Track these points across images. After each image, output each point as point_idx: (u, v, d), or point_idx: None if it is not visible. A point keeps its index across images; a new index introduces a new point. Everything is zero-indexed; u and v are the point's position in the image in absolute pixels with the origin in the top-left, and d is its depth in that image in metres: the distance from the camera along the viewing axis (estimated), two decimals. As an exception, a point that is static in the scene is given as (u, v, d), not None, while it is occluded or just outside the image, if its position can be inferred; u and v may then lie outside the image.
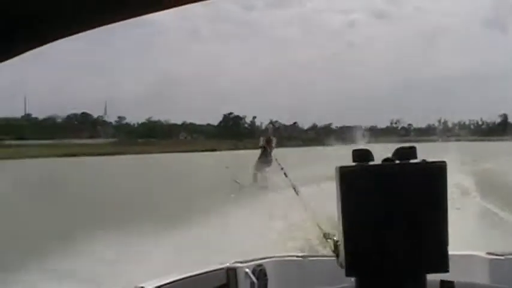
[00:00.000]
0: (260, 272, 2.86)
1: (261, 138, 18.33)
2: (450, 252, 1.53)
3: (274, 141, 17.89)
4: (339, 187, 1.31)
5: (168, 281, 2.63)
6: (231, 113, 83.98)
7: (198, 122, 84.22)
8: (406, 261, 1.24)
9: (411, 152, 1.31)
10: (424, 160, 1.29)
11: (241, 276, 2.86)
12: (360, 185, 1.28)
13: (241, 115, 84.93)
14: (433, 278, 1.36)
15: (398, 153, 1.33)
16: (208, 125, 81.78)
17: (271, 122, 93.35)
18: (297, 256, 3.22)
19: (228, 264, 2.94)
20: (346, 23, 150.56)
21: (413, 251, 1.23)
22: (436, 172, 1.24)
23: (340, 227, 1.32)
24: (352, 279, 1.36)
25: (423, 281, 1.28)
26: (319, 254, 3.78)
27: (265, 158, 16.97)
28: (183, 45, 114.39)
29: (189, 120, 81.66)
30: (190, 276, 2.68)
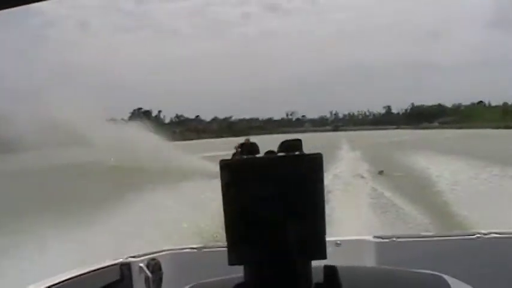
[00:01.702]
0: (155, 266, 2.89)
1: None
2: (341, 238, 1.95)
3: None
4: (221, 179, 1.36)
5: (57, 281, 2.55)
6: (140, 108, 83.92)
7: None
8: (287, 250, 1.27)
9: (297, 144, 1.36)
10: (301, 152, 1.35)
11: (135, 271, 2.84)
12: (239, 177, 1.32)
13: (150, 110, 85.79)
14: (318, 264, 1.38)
15: (283, 146, 1.36)
16: (112, 119, 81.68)
17: (177, 116, 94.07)
18: (192, 248, 3.20)
19: (121, 259, 2.85)
20: (239, 15, 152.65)
21: (291, 240, 1.27)
22: (312, 164, 1.28)
23: (223, 218, 1.36)
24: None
25: (306, 268, 1.32)
26: (215, 245, 3.78)
27: None
28: (73, 36, 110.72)
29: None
30: (82, 274, 2.61)
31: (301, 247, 1.20)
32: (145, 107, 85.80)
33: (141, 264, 2.82)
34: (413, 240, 3.04)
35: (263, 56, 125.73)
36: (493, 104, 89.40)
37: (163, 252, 3.02)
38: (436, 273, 1.54)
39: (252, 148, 1.32)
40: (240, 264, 1.26)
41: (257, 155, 1.31)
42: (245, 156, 1.30)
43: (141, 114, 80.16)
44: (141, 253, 2.95)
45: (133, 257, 2.87)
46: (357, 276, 1.49)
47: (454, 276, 1.57)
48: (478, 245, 2.82)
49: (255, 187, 1.22)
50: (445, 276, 1.52)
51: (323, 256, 1.23)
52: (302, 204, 1.20)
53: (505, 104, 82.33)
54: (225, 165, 1.26)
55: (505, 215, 8.14)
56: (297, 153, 1.27)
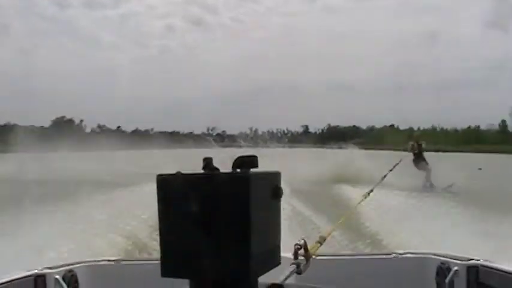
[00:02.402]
0: (71, 278, 2.80)
1: (410, 143, 18.77)
2: (282, 254, 1.80)
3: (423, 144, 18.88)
4: (157, 194, 1.34)
5: None
6: (63, 117, 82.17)
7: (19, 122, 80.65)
8: (217, 266, 1.23)
9: (252, 161, 1.31)
10: (233, 170, 1.30)
11: (50, 283, 2.73)
12: (174, 192, 1.30)
13: (73, 118, 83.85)
14: (264, 281, 1.37)
15: (239, 162, 1.30)
16: (33, 126, 77.51)
17: (99, 126, 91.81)
18: (110, 260, 3.12)
19: (36, 270, 2.74)
20: (163, 28, 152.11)
21: (224, 257, 1.22)
22: (240, 182, 1.25)
23: (158, 231, 1.38)
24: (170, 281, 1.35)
25: (252, 285, 1.28)
26: (135, 257, 3.45)
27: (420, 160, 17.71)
28: None
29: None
30: None
31: (232, 264, 1.19)
32: (67, 115, 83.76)
33: (57, 276, 2.73)
34: (331, 259, 3.01)
35: (185, 70, 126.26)
36: (401, 128, 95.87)
37: (81, 264, 2.94)
38: None
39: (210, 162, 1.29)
40: (172, 277, 1.27)
41: (195, 172, 1.30)
42: (182, 172, 1.29)
43: (62, 123, 78.44)
44: (57, 264, 2.86)
45: (49, 268, 2.77)
46: None
47: None
48: (394, 264, 2.85)
49: (190, 204, 1.22)
50: None
51: (254, 274, 1.23)
52: (234, 223, 1.19)
53: (411, 128, 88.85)
54: (161, 180, 1.28)
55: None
56: (228, 171, 1.26)
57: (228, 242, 1.20)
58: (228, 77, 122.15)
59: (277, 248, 1.32)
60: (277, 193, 1.30)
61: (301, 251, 1.74)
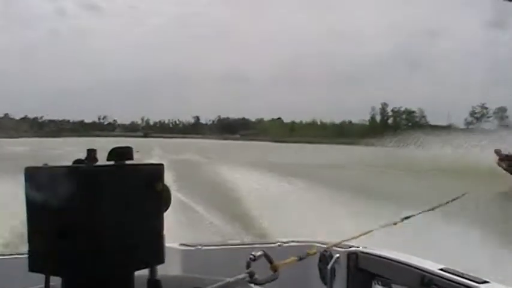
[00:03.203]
0: None
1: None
2: (169, 245, 1.62)
3: None
4: (25, 187, 1.28)
5: None
6: None
7: None
8: (82, 260, 1.18)
9: (128, 152, 1.27)
10: (115, 162, 1.24)
11: None
12: (42, 185, 1.24)
13: None
14: (141, 274, 1.34)
15: (114, 153, 1.26)
16: None
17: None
18: None
19: None
20: (52, 10, 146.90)
21: (88, 250, 1.18)
22: (108, 176, 1.22)
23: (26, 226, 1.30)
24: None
25: (128, 279, 1.26)
26: (12, 252, 3.37)
27: None
28: None
29: None
30: None
31: (95, 258, 1.13)
32: None
33: None
34: (219, 249, 3.09)
35: (75, 56, 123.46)
36: (286, 121, 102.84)
37: None
38: (242, 279, 1.57)
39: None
40: (39, 272, 1.22)
41: (63, 165, 1.23)
42: (50, 165, 1.24)
43: None
44: None
45: None
46: (164, 285, 1.37)
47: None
48: (278, 253, 2.58)
49: (58, 197, 1.16)
50: (251, 285, 1.56)
51: (114, 267, 1.18)
52: (92, 217, 1.13)
53: (293, 122, 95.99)
54: (30, 172, 1.23)
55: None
56: (107, 163, 1.19)
57: (92, 238, 1.15)
58: (122, 65, 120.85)
59: (157, 244, 1.28)
60: (155, 185, 1.26)
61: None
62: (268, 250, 2.54)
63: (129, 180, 1.22)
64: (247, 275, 1.57)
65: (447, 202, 2.76)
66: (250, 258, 1.63)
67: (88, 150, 1.26)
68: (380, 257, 2.68)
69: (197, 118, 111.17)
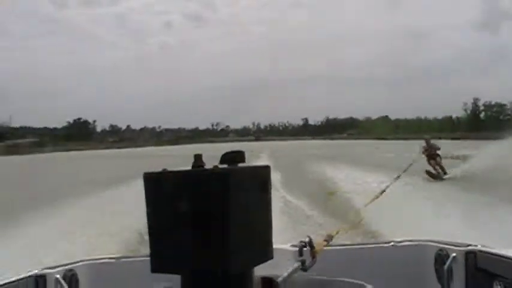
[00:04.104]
0: (72, 277, 2.70)
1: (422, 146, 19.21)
2: (275, 246, 1.54)
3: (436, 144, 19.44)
4: (145, 192, 1.27)
5: None
6: (80, 118, 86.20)
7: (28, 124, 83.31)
8: (204, 260, 1.15)
9: (240, 156, 1.26)
10: (216, 166, 1.22)
11: (50, 283, 2.62)
12: (160, 189, 1.26)
13: (90, 120, 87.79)
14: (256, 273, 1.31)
15: (226, 157, 1.26)
16: (46, 128, 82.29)
17: (111, 126, 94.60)
18: (110, 258, 2.99)
19: (36, 271, 2.57)
20: (161, 24, 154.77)
21: (210, 251, 1.14)
22: (223, 178, 1.21)
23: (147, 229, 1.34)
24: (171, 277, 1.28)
25: (227, 279, 1.22)
26: (136, 254, 3.56)
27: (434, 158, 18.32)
28: None
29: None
30: None
31: (218, 258, 1.18)
32: (76, 116, 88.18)
33: (58, 276, 2.63)
34: (330, 249, 2.69)
35: (185, 66, 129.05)
36: (392, 118, 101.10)
37: (81, 263, 2.85)
38: (359, 281, 1.59)
39: (197, 160, 1.27)
40: (162, 272, 1.26)
41: (182, 168, 1.28)
42: (166, 170, 1.30)
43: (79, 124, 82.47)
44: (57, 264, 2.77)
45: (49, 268, 2.67)
46: (279, 286, 1.39)
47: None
48: (392, 252, 2.79)
49: (176, 200, 1.22)
50: (368, 286, 1.56)
51: (238, 265, 1.23)
52: (217, 217, 1.19)
53: (397, 119, 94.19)
54: (149, 177, 1.29)
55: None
56: (209, 167, 1.24)
57: (212, 236, 1.20)
58: (228, 72, 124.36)
59: (268, 242, 1.30)
60: (265, 187, 1.29)
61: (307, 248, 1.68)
62: (382, 250, 2.67)
63: (241, 182, 1.26)
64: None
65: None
66: (301, 245, 1.65)
67: (195, 155, 1.32)
68: (501, 256, 2.45)
69: (306, 120, 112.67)
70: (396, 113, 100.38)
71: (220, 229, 1.22)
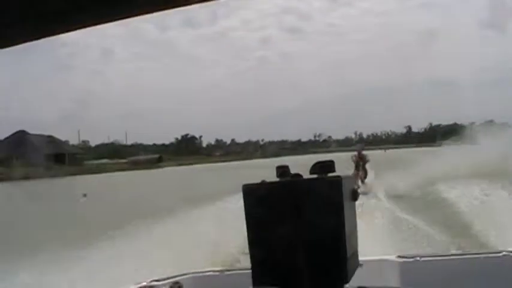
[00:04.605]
0: None
1: (353, 155, 20.92)
2: (363, 258, 1.90)
3: (367, 156, 20.86)
4: (244, 203, 1.39)
5: None
6: (187, 134, 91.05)
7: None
8: (310, 272, 1.26)
9: (329, 165, 1.35)
10: (322, 175, 1.33)
11: None
12: (260, 201, 1.33)
13: (196, 136, 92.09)
14: (341, 285, 1.42)
15: (316, 167, 1.36)
16: (154, 144, 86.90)
17: (216, 140, 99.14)
18: (214, 271, 3.14)
19: (144, 283, 2.83)
20: (259, 39, 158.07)
21: (315, 262, 1.26)
22: (330, 186, 1.28)
23: (247, 241, 1.41)
24: None
25: None
26: (238, 267, 3.68)
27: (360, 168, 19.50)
28: (98, 65, 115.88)
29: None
30: None
31: (324, 269, 1.17)
32: (183, 132, 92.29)
33: None
34: (437, 260, 2.93)
35: (284, 78, 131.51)
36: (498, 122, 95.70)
37: (186, 276, 3.00)
38: None
39: (284, 171, 1.30)
40: (263, 285, 1.27)
41: (279, 179, 1.31)
42: (265, 181, 1.29)
43: (186, 140, 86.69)
44: (164, 277, 2.96)
45: (157, 280, 2.87)
46: None
47: None
48: (504, 263, 2.68)
49: (276, 211, 1.23)
50: None
51: (346, 278, 1.23)
52: (324, 226, 1.18)
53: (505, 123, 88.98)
54: (248, 189, 1.30)
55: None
56: (314, 176, 1.25)
57: (327, 246, 1.18)
58: (328, 83, 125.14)
59: (356, 251, 1.28)
60: (355, 196, 1.29)
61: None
62: (492, 261, 2.64)
63: (343, 191, 1.23)
64: None
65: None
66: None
67: (279, 167, 1.33)
68: None
69: (409, 127, 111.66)
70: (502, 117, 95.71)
71: (332, 241, 1.20)
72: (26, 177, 41.04)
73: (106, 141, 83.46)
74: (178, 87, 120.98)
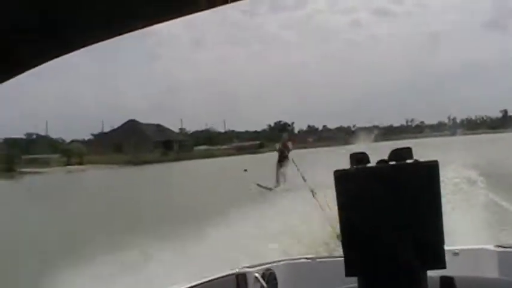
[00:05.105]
0: (270, 276, 2.85)
1: (277, 144, 20.35)
2: (459, 247, 1.76)
3: (290, 144, 19.27)
4: (336, 190, 1.37)
5: None
6: (280, 121, 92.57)
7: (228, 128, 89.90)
8: (404, 259, 1.23)
9: (407, 152, 1.32)
10: (416, 160, 1.29)
11: (251, 281, 2.83)
12: (354, 187, 1.30)
13: (289, 122, 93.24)
14: (435, 274, 1.38)
15: (394, 154, 1.34)
16: (247, 131, 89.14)
17: (308, 126, 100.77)
18: (306, 258, 3.15)
19: (237, 269, 2.87)
20: (348, 23, 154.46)
21: (410, 249, 1.23)
22: (428, 171, 1.25)
23: (339, 229, 1.39)
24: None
25: (422, 278, 1.27)
26: (330, 255, 3.66)
27: (283, 160, 17.96)
28: (188, 53, 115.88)
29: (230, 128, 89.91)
30: (201, 284, 2.67)
31: (418, 257, 1.14)
32: (272, 119, 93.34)
33: (257, 275, 2.84)
34: None
35: (373, 62, 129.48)
36: None
37: (278, 263, 3.05)
38: None
39: (362, 158, 1.27)
40: (356, 275, 1.25)
41: (369, 165, 1.28)
42: (358, 167, 1.26)
43: (279, 126, 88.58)
44: (256, 263, 3.02)
45: (249, 267, 2.93)
46: (457, 285, 1.32)
47: None
48: None
49: (370, 197, 1.19)
50: None
51: (441, 266, 1.20)
52: (418, 214, 1.16)
53: None
54: (339, 175, 1.27)
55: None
56: (410, 161, 1.21)
57: (421, 233, 1.15)
58: (418, 64, 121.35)
59: (441, 240, 1.26)
60: (433, 183, 1.25)
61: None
62: None
63: (430, 177, 1.22)
64: None
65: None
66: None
67: (355, 154, 1.33)
68: None
69: (505, 111, 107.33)
70: None
71: (430, 226, 1.20)
72: (148, 162, 44.25)
73: (200, 128, 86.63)
74: (266, 72, 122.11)
